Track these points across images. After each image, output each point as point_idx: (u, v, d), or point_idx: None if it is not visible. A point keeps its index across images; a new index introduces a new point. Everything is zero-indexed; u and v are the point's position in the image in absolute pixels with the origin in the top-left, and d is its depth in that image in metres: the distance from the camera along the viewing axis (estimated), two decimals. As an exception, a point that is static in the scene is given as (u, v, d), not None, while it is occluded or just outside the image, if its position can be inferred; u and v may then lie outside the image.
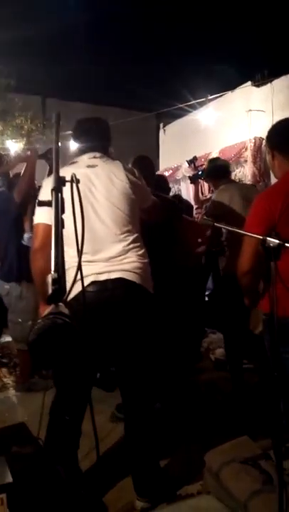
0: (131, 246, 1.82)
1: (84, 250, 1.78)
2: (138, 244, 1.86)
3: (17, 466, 1.25)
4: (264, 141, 5.04)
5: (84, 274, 1.64)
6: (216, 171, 3.23)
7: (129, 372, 1.86)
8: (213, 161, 3.62)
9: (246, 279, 1.85)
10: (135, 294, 1.76)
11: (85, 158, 1.94)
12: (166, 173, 7.60)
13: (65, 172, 1.11)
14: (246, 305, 2.12)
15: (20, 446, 1.60)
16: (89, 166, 1.88)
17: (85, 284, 1.53)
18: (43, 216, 1.78)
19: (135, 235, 1.86)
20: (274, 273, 1.31)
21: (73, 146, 2.15)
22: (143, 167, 2.64)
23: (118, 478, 2.05)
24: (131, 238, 1.83)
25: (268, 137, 1.95)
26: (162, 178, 3.93)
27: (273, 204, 1.73)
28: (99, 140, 2.01)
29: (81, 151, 2.00)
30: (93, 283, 1.72)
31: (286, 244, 1.29)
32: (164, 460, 2.15)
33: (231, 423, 2.52)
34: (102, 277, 1.73)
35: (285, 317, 1.69)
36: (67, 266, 0.84)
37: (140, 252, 1.84)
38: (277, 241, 1.29)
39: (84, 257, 1.74)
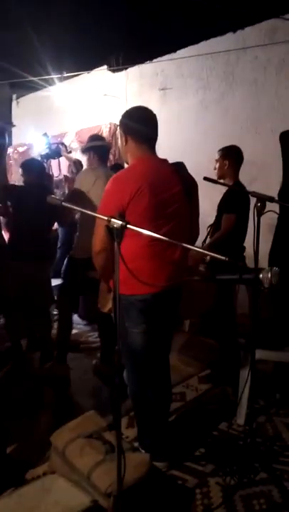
0: None
1: None
2: None
3: None
4: (118, 127, 5.17)
5: None
6: (107, 151, 3.26)
7: None
8: (101, 139, 3.42)
9: (99, 258, 1.89)
10: None
11: None
12: (21, 149, 7.19)
13: None
14: (101, 290, 2.17)
15: None
16: None
17: None
18: None
19: None
20: (117, 253, 1.36)
21: None
22: None
23: None
24: None
25: (121, 122, 1.99)
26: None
27: (125, 188, 1.79)
28: None
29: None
30: None
31: (128, 226, 1.34)
32: (10, 446, 2.09)
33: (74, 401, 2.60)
34: None
35: (129, 295, 1.80)
36: None
37: None
38: (120, 222, 1.34)
39: None
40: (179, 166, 2.01)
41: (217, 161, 2.98)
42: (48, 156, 4.08)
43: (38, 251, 3.11)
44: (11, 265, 3.07)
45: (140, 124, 1.93)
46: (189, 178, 2.04)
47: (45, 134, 4.33)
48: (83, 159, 4.27)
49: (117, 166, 4.13)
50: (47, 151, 4.12)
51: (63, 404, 2.64)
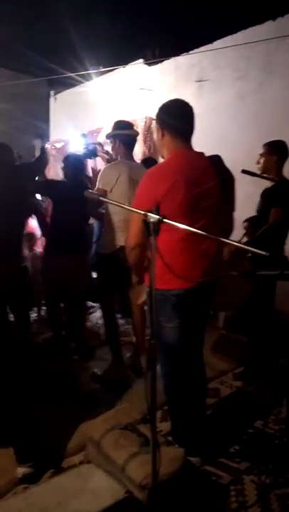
0: None
1: None
2: None
3: None
4: (154, 121, 5.14)
5: None
6: (134, 140, 3.05)
7: None
8: (129, 127, 3.11)
9: (134, 254, 1.90)
10: None
11: None
12: (58, 145, 7.31)
13: None
14: (134, 283, 2.19)
15: None
16: None
17: None
18: None
19: None
20: (154, 248, 1.36)
21: None
22: None
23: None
24: None
25: (158, 116, 1.98)
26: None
27: (160, 183, 1.78)
28: None
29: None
30: None
31: (165, 220, 1.34)
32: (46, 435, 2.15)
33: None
34: None
35: (164, 290, 1.79)
36: None
37: None
38: (157, 216, 1.34)
39: None
40: (216, 159, 1.98)
41: (262, 155, 2.87)
42: (85, 156, 4.18)
43: (76, 244, 3.17)
44: (51, 260, 3.17)
45: (177, 117, 1.91)
46: (226, 172, 2.00)
47: (83, 135, 4.44)
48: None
49: (149, 160, 4.11)
50: (84, 150, 4.22)
51: (97, 396, 2.68)
